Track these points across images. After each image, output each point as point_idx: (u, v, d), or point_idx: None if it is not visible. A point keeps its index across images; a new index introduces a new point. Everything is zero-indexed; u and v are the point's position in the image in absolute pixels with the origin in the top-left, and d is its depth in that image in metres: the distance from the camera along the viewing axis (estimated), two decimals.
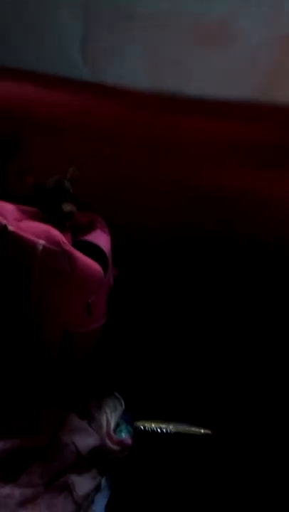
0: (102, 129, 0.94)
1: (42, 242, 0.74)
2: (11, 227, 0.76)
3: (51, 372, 0.85)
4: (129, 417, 0.84)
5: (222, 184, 0.87)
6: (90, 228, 0.89)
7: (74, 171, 0.85)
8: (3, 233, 0.76)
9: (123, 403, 0.85)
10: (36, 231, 0.76)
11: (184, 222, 0.91)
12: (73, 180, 0.85)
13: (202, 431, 0.75)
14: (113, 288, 0.90)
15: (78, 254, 0.76)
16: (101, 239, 0.87)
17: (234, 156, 0.86)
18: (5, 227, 0.76)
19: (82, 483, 0.76)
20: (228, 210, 0.88)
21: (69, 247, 0.75)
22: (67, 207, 0.83)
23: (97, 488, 0.76)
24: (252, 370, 0.89)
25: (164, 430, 0.76)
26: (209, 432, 0.75)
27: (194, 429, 0.75)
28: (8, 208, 0.81)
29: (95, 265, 0.79)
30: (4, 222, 0.77)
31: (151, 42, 0.93)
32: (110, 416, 0.82)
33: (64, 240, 0.75)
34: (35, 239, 0.75)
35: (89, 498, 0.75)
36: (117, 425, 0.82)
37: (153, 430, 0.77)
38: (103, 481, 0.77)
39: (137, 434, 0.78)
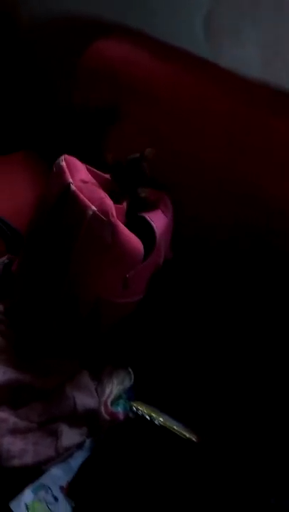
0: (192, 108, 0.91)
1: (94, 208, 0.77)
2: (73, 187, 0.80)
3: (79, 328, 0.90)
4: (132, 395, 0.86)
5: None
6: (153, 207, 0.90)
7: (150, 152, 0.85)
8: (66, 190, 0.81)
9: (132, 379, 0.87)
10: (93, 196, 0.79)
11: (239, 223, 0.87)
12: (149, 161, 0.86)
13: (187, 435, 0.75)
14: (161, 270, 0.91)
15: (122, 229, 0.78)
16: (158, 219, 0.88)
17: None
18: (69, 185, 0.81)
19: (69, 435, 0.81)
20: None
21: (115, 220, 0.77)
22: (143, 192, 0.85)
23: (80, 446, 0.81)
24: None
25: (153, 420, 0.77)
26: (194, 439, 0.74)
27: (181, 431, 0.75)
28: (80, 167, 0.86)
29: (136, 242, 0.80)
30: (69, 180, 0.81)
31: (272, 30, 0.87)
32: (115, 387, 0.86)
33: (113, 211, 0.77)
34: (88, 203, 0.78)
35: (70, 451, 0.80)
36: (118, 398, 0.85)
37: (142, 415, 0.78)
38: (88, 442, 0.81)
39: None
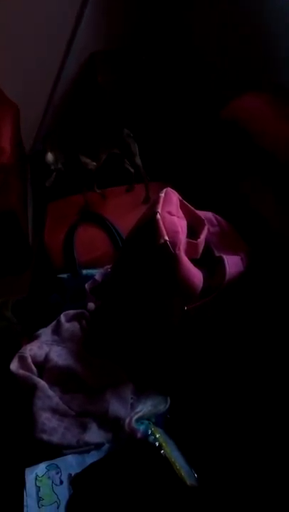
0: None
1: (166, 238, 0.84)
2: (158, 216, 0.89)
3: (137, 344, 0.97)
4: (160, 421, 0.89)
5: None
6: (235, 251, 0.93)
7: None
8: (152, 217, 0.90)
9: (167, 407, 0.90)
10: (171, 228, 0.86)
11: None
12: None
13: (188, 482, 0.74)
14: None
15: (185, 262, 0.83)
16: (233, 264, 0.90)
17: None
18: (156, 213, 0.89)
19: (94, 434, 0.88)
20: None
21: (180, 253, 0.83)
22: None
23: (99, 446, 0.87)
24: None
25: (160, 449, 0.78)
26: (195, 484, 0.73)
27: (181, 470, 0.75)
28: (174, 202, 0.93)
29: (195, 277, 0.84)
30: (158, 210, 0.89)
31: None
32: (147, 407, 0.89)
33: (180, 246, 0.83)
34: (163, 233, 0.85)
35: (89, 447, 0.87)
36: (147, 418, 0.88)
37: (153, 441, 0.80)
38: (106, 446, 0.87)
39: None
